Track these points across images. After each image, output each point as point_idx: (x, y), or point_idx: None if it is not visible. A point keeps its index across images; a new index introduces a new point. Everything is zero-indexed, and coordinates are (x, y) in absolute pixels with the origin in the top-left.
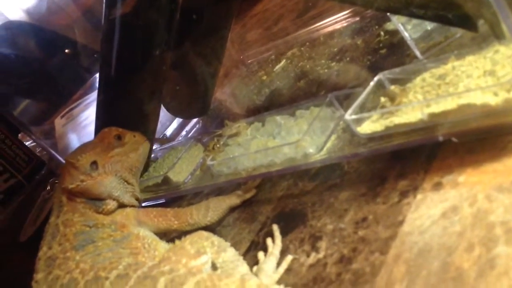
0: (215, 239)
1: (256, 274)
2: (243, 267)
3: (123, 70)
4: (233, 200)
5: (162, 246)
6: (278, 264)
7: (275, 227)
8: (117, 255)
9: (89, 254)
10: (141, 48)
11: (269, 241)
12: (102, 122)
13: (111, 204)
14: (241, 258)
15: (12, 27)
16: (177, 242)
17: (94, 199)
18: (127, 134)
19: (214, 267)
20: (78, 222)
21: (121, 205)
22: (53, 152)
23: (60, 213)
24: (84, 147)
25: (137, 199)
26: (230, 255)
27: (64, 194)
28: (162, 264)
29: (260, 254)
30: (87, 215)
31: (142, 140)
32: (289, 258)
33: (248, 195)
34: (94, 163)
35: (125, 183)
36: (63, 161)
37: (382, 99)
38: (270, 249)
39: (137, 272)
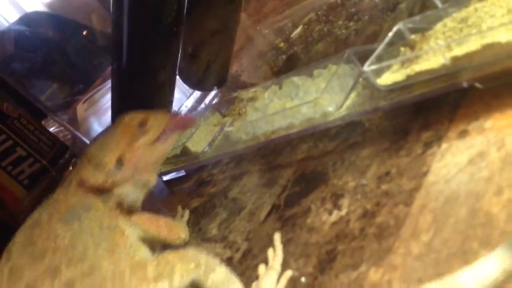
0: (203, 259)
1: None
2: (235, 285)
3: (134, 39)
4: None
5: (143, 250)
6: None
7: (276, 236)
8: (93, 246)
9: (70, 232)
10: (151, 16)
11: (270, 252)
12: (117, 94)
13: (113, 201)
14: (232, 275)
15: (29, 16)
16: (143, 260)
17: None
18: (150, 117)
19: None
20: (76, 199)
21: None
22: (77, 133)
23: (64, 189)
24: (108, 141)
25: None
26: (220, 276)
27: (76, 180)
28: (110, 281)
29: (261, 267)
30: (88, 197)
31: (165, 119)
32: (288, 273)
33: None
34: (119, 160)
35: (143, 188)
36: (87, 142)
37: (402, 49)
38: (270, 262)
39: (86, 280)
